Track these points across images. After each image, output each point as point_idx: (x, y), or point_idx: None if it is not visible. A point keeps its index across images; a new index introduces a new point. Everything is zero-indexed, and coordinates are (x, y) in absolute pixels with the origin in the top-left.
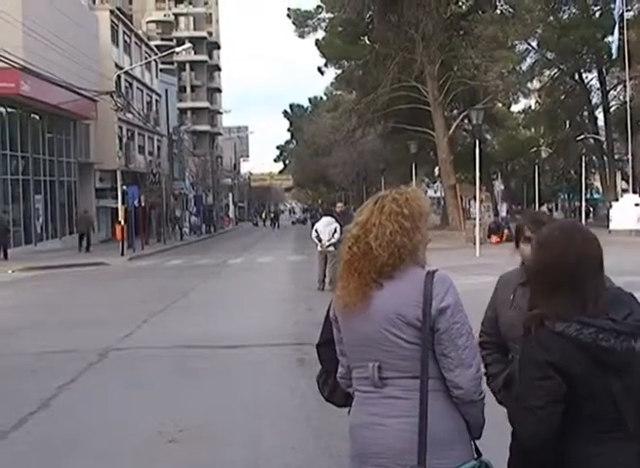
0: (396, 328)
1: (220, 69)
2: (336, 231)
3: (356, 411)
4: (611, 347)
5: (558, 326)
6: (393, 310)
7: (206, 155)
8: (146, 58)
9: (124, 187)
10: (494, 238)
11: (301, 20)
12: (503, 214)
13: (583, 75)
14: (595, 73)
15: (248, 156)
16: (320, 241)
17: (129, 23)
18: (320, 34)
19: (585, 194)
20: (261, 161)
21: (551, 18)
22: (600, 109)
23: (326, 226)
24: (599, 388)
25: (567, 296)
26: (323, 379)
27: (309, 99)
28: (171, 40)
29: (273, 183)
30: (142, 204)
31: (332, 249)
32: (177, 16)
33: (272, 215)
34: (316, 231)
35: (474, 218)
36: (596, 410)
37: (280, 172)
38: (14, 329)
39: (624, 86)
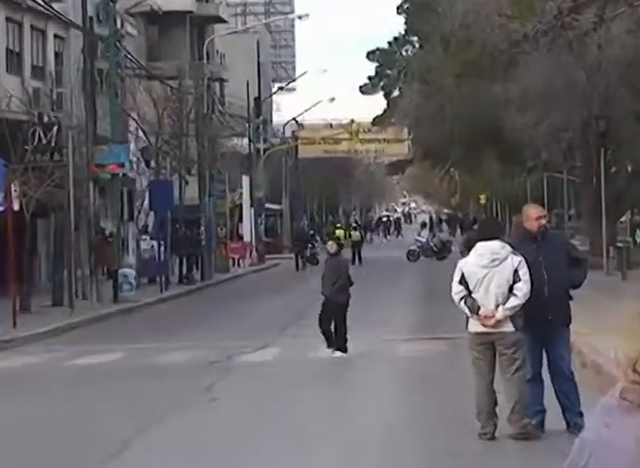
0: None
1: None
2: (518, 278)
3: None
4: None
5: None
6: None
7: (183, 78)
8: None
9: None
10: None
11: None
12: None
13: None
14: None
15: (293, 80)
16: (476, 311)
17: None
18: None
19: None
20: (328, 92)
21: None
22: None
23: (490, 266)
24: None
25: None
26: None
27: None
28: None
29: (358, 150)
30: (17, 205)
31: (508, 330)
32: None
33: (295, 239)
34: (463, 279)
35: None
36: None
37: (375, 120)
38: None
39: None
